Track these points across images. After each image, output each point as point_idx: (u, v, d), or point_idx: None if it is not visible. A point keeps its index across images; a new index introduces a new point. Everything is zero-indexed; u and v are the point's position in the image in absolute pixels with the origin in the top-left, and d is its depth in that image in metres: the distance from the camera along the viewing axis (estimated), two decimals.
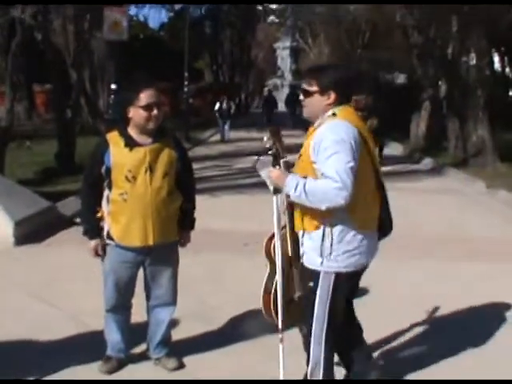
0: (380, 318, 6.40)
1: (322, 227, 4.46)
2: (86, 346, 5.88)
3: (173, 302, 5.51)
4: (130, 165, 5.06)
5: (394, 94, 30.88)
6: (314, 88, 4.57)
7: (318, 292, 4.54)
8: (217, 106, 30.20)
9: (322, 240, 4.46)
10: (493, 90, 22.90)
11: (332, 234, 4.45)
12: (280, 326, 4.82)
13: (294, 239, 4.70)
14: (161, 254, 5.29)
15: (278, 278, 4.77)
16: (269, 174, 4.59)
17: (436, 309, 6.92)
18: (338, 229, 4.45)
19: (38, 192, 11.81)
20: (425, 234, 10.56)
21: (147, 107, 5.07)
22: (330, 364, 4.73)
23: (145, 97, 5.08)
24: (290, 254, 4.73)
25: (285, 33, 79.71)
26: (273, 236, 4.80)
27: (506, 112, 26.52)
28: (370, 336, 5.34)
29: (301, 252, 4.63)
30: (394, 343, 6.05)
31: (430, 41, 22.71)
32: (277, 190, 4.62)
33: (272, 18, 68.80)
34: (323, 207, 4.30)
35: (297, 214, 4.59)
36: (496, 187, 15.06)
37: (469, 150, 20.00)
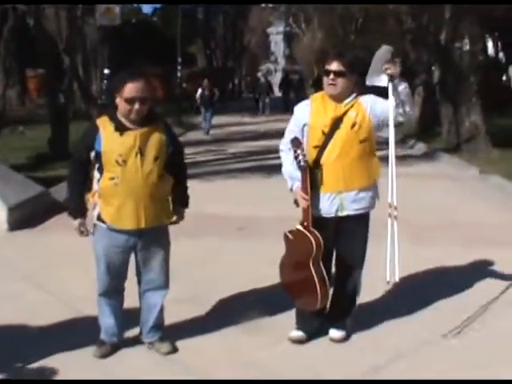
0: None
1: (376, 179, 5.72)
2: (80, 331, 5.89)
3: (164, 285, 5.52)
4: (121, 149, 5.06)
5: None
6: (347, 69, 5.44)
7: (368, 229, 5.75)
8: (198, 93, 26.33)
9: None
10: (486, 75, 22.88)
11: None
12: None
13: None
14: (152, 238, 5.31)
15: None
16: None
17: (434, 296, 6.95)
18: None
19: (30, 177, 11.80)
20: (418, 219, 10.55)
21: (130, 101, 5.04)
22: None
23: (129, 90, 5.04)
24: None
25: (278, 18, 79.55)
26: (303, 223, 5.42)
27: (500, 97, 26.52)
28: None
29: (357, 206, 5.60)
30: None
31: (423, 27, 22.63)
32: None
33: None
34: None
35: (354, 176, 5.50)
36: (489, 173, 15.06)
37: (462, 135, 19.96)
